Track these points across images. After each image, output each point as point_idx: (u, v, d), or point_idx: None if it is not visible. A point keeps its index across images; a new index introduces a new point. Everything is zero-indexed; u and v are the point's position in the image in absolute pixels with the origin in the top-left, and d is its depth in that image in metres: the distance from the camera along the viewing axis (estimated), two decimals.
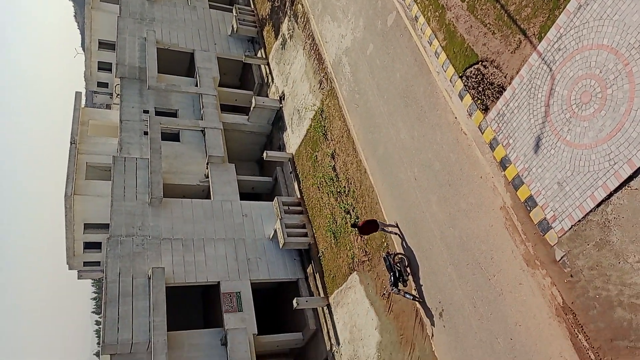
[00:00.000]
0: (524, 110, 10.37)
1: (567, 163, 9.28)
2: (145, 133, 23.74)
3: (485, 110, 11.37)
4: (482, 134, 11.42)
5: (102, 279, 19.18)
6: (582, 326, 8.72)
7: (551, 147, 9.65)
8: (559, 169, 9.45)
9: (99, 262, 25.80)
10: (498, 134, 10.98)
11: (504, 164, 10.78)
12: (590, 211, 8.71)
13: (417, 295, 13.34)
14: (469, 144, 11.75)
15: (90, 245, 25.55)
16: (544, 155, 9.79)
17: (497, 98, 11.05)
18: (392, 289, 13.46)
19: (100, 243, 24.80)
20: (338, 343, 17.72)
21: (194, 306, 23.80)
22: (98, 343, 31.11)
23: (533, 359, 9.59)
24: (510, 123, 10.67)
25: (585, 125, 8.99)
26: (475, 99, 11.66)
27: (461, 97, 12.16)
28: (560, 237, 9.27)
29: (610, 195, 8.38)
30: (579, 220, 8.91)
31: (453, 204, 12.11)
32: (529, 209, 10.03)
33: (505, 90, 10.86)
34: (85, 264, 26.12)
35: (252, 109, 24.70)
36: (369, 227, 13.89)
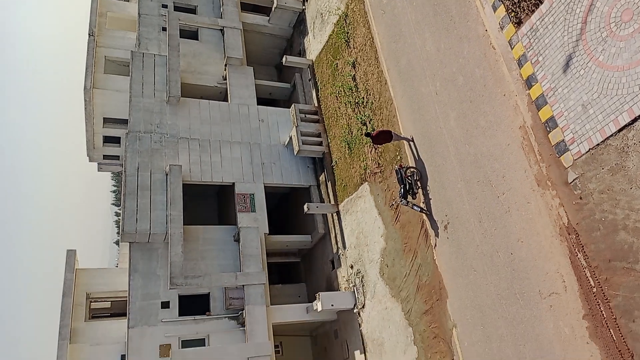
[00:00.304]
0: (558, 26, 9.85)
1: (595, 85, 9.00)
2: (164, 29, 23.18)
3: (518, 24, 10.82)
4: (512, 49, 10.97)
5: (122, 173, 19.86)
6: (583, 246, 8.99)
7: (581, 67, 9.30)
8: (585, 90, 9.18)
9: (118, 156, 26.51)
10: (528, 50, 10.54)
11: (529, 82, 10.47)
12: (611, 135, 8.60)
13: (425, 208, 13.70)
14: (497, 60, 11.35)
15: (109, 140, 26.10)
16: (573, 76, 9.47)
17: (533, 11, 10.46)
18: (401, 201, 13.79)
19: (119, 138, 25.30)
20: (344, 247, 18.57)
21: (209, 204, 24.77)
22: (118, 232, 32.88)
23: (530, 272, 10.04)
24: (543, 39, 10.20)
25: (621, 46, 8.58)
26: (509, 11, 11.05)
27: (494, 8, 11.53)
28: (575, 159, 9.26)
29: (635, 120, 8.21)
30: (598, 144, 8.83)
31: (472, 120, 11.99)
32: (548, 130, 9.92)
33: (542, 3, 10.25)
34: (105, 157, 26.88)
35: (273, 9, 23.76)
36: (383, 136, 13.91)
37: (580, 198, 9.10)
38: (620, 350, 8.26)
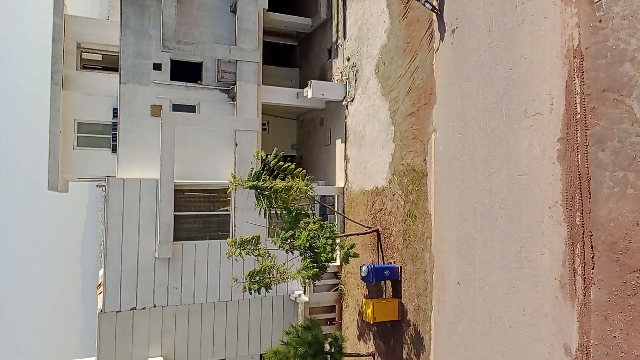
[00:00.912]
0: None
1: None
2: None
3: None
4: None
5: None
6: (583, 72, 8.79)
7: None
8: None
9: None
10: None
11: None
12: None
13: (437, 7, 12.81)
14: None
15: None
16: None
17: None
18: None
19: None
20: (344, 37, 17.91)
21: None
22: None
23: (522, 90, 10.02)
24: None
25: None
26: None
27: None
28: None
29: None
30: None
31: None
32: None
33: None
34: None
35: None
36: None
37: (600, 21, 8.52)
38: (580, 175, 8.83)
